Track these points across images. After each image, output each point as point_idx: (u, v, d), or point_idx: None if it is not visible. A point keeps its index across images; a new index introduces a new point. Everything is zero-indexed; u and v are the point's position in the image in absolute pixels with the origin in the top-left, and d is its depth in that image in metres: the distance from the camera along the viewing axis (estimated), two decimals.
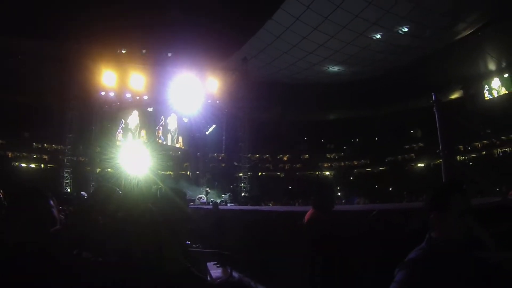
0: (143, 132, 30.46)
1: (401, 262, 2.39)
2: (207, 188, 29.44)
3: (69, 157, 30.46)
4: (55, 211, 2.57)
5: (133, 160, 28.11)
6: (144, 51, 29.45)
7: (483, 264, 2.46)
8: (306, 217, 4.82)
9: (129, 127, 30.26)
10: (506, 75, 43.69)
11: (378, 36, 35.40)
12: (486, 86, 45.65)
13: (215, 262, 8.39)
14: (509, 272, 2.73)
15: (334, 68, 42.50)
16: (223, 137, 36.33)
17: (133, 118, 30.37)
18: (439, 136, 4.30)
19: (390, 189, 44.70)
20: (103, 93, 28.25)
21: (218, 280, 1.63)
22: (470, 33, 36.72)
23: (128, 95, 28.75)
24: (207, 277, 5.47)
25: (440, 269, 2.29)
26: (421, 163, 51.67)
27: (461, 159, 46.48)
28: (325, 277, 4.47)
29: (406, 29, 34.43)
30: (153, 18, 28.85)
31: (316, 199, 4.97)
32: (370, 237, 4.79)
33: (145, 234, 2.67)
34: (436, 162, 44.76)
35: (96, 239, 2.70)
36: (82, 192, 26.37)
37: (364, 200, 25.72)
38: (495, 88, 44.91)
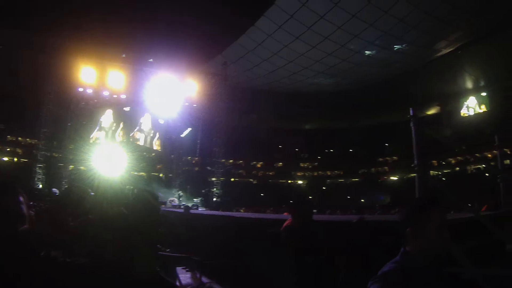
0: (119, 132, 30.20)
1: (375, 275, 2.38)
2: (180, 192, 29.30)
3: (43, 152, 30.02)
4: (24, 207, 2.50)
5: (106, 159, 27.85)
6: (124, 55, 29.23)
7: (456, 280, 2.47)
8: (284, 225, 4.81)
9: (104, 125, 29.99)
10: (483, 94, 44.46)
11: (359, 49, 35.64)
12: (463, 103, 46.40)
13: (184, 267, 8.31)
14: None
15: (313, 78, 42.64)
16: (198, 141, 36.24)
17: (109, 117, 30.10)
18: (414, 150, 4.34)
19: (362, 200, 45.01)
20: (80, 89, 27.89)
21: (187, 286, 1.60)
22: (450, 51, 37.25)
23: (106, 93, 28.46)
24: (176, 282, 5.41)
25: (413, 284, 2.28)
26: (394, 177, 52.15)
27: (435, 174, 47.04)
28: (301, 286, 4.46)
29: (387, 44, 34.74)
30: (134, 20, 28.73)
31: (295, 208, 4.97)
32: (348, 247, 4.80)
33: (116, 237, 2.62)
34: (409, 176, 45.25)
35: (65, 240, 2.64)
36: (53, 189, 26.01)
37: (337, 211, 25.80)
38: (472, 106, 45.67)
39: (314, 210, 5.25)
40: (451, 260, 2.56)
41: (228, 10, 28.69)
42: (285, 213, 18.59)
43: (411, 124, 4.57)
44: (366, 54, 36.60)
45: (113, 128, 30.06)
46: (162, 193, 27.06)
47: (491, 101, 44.09)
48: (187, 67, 29.61)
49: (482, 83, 44.19)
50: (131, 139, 30.03)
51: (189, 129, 32.00)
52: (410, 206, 2.61)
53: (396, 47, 35.25)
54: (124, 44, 29.51)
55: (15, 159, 44.23)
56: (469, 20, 31.28)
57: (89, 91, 27.77)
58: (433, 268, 2.35)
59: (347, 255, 4.67)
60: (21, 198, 2.51)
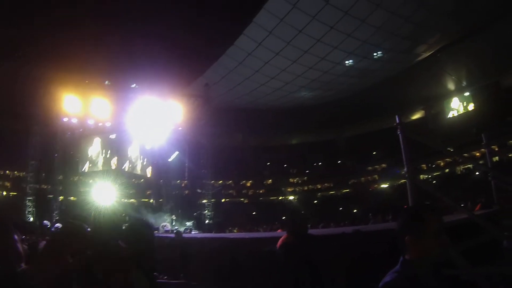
0: (106, 160, 30.01)
1: (378, 286, 2.38)
2: (173, 216, 29.15)
3: (32, 185, 29.74)
4: (19, 246, 2.48)
5: (96, 189, 27.63)
6: (107, 82, 29.13)
7: (457, 282, 2.48)
8: (280, 242, 4.79)
9: (91, 154, 29.81)
10: (466, 94, 44.90)
11: (339, 60, 35.86)
12: (447, 105, 46.81)
13: None
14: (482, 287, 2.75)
15: (296, 93, 42.78)
16: (186, 164, 36.12)
17: (96, 146, 29.93)
18: (403, 157, 4.38)
19: (355, 211, 45.00)
20: (65, 119, 27.70)
21: None
22: (430, 54, 37.62)
23: (91, 122, 28.30)
24: None
25: None
26: (385, 184, 52.27)
27: (424, 177, 47.28)
28: None
29: (367, 53, 34.99)
30: (115, 47, 28.77)
31: (290, 224, 4.96)
32: (345, 259, 4.80)
33: (115, 272, 2.61)
34: (400, 182, 45.42)
35: (65, 279, 2.62)
36: (44, 222, 25.73)
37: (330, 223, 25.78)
38: (456, 107, 46.08)
39: (309, 225, 5.23)
40: (449, 262, 2.58)
41: (207, 32, 28.83)
42: (279, 230, 18.57)
43: (398, 132, 4.59)
44: (347, 64, 36.83)
45: (101, 156, 29.87)
46: (153, 219, 26.89)
47: (474, 100, 44.52)
48: (170, 90, 29.53)
49: (464, 83, 44.62)
50: (118, 167, 29.81)
51: (176, 152, 31.87)
52: (407, 215, 2.62)
53: (376, 55, 35.50)
54: (107, 71, 29.47)
55: (4, 193, 43.87)
56: (446, 23, 31.63)
57: (74, 120, 27.58)
58: (434, 274, 2.36)
59: (346, 267, 4.67)
60: (16, 236, 2.49)
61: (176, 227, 24.80)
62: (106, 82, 28.96)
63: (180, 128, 30.10)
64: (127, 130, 29.05)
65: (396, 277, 2.37)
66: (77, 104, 27.09)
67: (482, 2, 29.51)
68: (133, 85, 29.34)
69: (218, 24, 28.91)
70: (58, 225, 23.77)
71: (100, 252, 2.78)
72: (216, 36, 30.27)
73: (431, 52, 37.39)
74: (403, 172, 5.19)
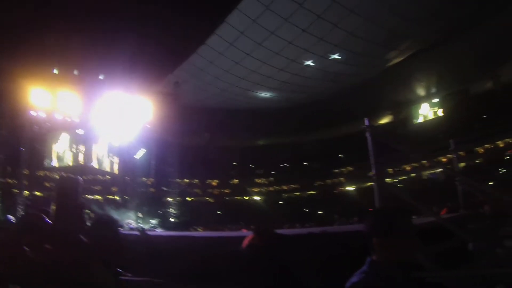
0: (72, 155, 29.55)
1: (345, 287, 2.36)
2: (139, 213, 28.91)
3: None
4: None
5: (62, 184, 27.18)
6: (76, 71, 28.70)
7: (424, 284, 2.47)
8: (246, 242, 4.74)
9: (58, 149, 29.33)
10: (435, 100, 45.64)
11: (311, 63, 35.99)
12: (416, 111, 47.53)
13: None
14: None
15: (265, 94, 42.81)
16: (153, 162, 35.85)
17: (63, 141, 29.46)
18: (371, 159, 4.39)
19: (320, 213, 45.26)
20: (33, 112, 27.16)
21: None
22: (400, 60, 38.05)
23: (59, 116, 27.80)
24: None
25: None
26: (351, 187, 52.69)
27: (391, 181, 47.78)
28: None
29: (338, 57, 35.18)
30: (85, 39, 28.37)
31: (256, 224, 4.91)
32: (312, 260, 4.77)
33: (76, 266, 2.53)
34: (366, 185, 45.83)
35: (23, 273, 2.53)
36: (8, 216, 25.25)
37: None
38: (424, 113, 46.82)
39: (275, 225, 5.21)
40: (417, 265, 2.57)
41: (179, 29, 28.63)
42: (243, 230, 18.51)
43: (367, 134, 4.60)
44: (317, 67, 36.97)
45: (68, 152, 29.43)
46: (118, 216, 26.61)
47: (443, 107, 45.27)
48: (139, 87, 29.28)
49: (433, 90, 45.32)
50: (86, 163, 29.41)
51: (143, 150, 31.60)
52: (375, 216, 2.61)
53: (347, 59, 35.73)
54: (76, 63, 29.04)
55: None
56: (417, 30, 32.03)
57: (42, 114, 27.06)
58: (401, 275, 2.34)
59: (312, 267, 4.64)
60: None
61: (141, 225, 24.57)
62: (75, 72, 28.55)
63: (148, 126, 29.84)
64: (95, 126, 28.67)
65: (363, 278, 2.36)
66: (45, 98, 26.62)
67: (452, 12, 29.98)
68: (101, 77, 28.93)
69: (190, 22, 28.73)
70: (10, 217, 23.36)
71: (60, 245, 2.70)
72: (188, 34, 30.09)
73: (401, 58, 37.82)
74: (370, 174, 5.21)
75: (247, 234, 5.35)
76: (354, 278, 2.40)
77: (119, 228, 3.26)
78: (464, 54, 35.94)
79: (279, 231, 5.50)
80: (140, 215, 29.14)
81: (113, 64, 28.50)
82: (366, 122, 4.59)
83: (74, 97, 27.28)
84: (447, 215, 8.05)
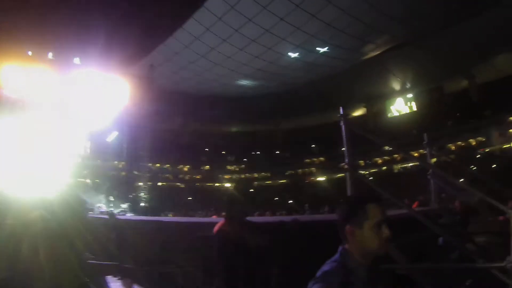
0: (43, 134, 29.14)
1: (316, 275, 2.29)
2: (111, 197, 28.71)
3: None
4: None
5: (28, 163, 26.79)
6: (50, 53, 28.24)
7: (393, 276, 2.43)
8: (216, 228, 4.66)
9: (30, 128, 28.89)
10: (409, 96, 46.15)
11: (287, 52, 35.99)
12: (390, 105, 48.04)
13: (115, 275, 8.03)
14: (416, 283, 2.71)
15: (240, 81, 42.76)
16: (125, 145, 35.60)
17: (35, 120, 29.01)
18: (345, 149, 4.34)
19: (291, 202, 45.43)
20: (4, 91, 26.70)
21: None
22: (376, 54, 38.33)
23: (31, 95, 27.38)
24: None
25: (354, 282, 2.20)
26: (322, 177, 53.01)
27: (362, 174, 48.20)
28: None
29: (314, 47, 35.24)
30: (60, 21, 27.86)
31: (228, 210, 4.82)
32: (283, 247, 4.71)
33: (38, 245, 2.40)
34: (337, 176, 46.19)
35: None
36: None
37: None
38: (398, 107, 47.33)
39: (247, 212, 5.13)
40: (387, 256, 2.52)
41: (157, 11, 28.25)
42: (214, 216, 18.47)
43: (341, 123, 4.53)
44: (293, 57, 37.00)
45: (40, 130, 28.98)
46: (89, 199, 26.37)
47: (417, 102, 45.80)
48: (114, 69, 28.95)
49: (408, 85, 45.81)
50: (58, 144, 29.00)
51: (115, 132, 31.31)
52: (348, 204, 2.55)
53: (323, 50, 35.80)
54: (50, 43, 28.56)
55: None
56: (394, 26, 32.23)
57: (13, 94, 26.59)
58: (372, 265, 2.28)
59: (283, 255, 4.59)
60: None
61: (111, 209, 24.39)
62: (50, 55, 28.12)
63: (121, 108, 29.55)
64: (68, 107, 28.26)
65: (335, 266, 2.31)
66: (18, 77, 26.22)
67: (430, 11, 30.29)
68: (76, 59, 28.54)
69: (168, 5, 28.38)
70: None
71: (20, 221, 2.55)
72: (165, 17, 29.74)
73: (377, 52, 38.13)
74: (342, 165, 5.16)
75: (217, 221, 5.27)
76: (325, 267, 2.35)
77: (86, 208, 3.12)
78: (440, 53, 36.44)
79: (250, 218, 5.44)
80: (110, 198, 28.96)
81: (88, 45, 28.08)
82: (341, 110, 4.50)
83: (47, 76, 26.86)
84: (419, 208, 8.11)
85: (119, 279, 8.09)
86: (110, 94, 28.25)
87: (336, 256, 2.38)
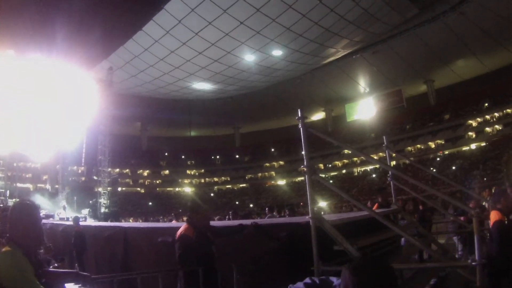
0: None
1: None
2: (64, 203, 28.20)
3: None
4: None
5: None
6: (12, 51, 27.59)
7: None
8: (179, 233, 4.61)
9: None
10: (368, 100, 46.83)
11: (246, 56, 36.04)
12: (349, 109, 48.65)
13: (74, 283, 7.86)
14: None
15: (199, 85, 42.66)
16: (83, 150, 35.09)
17: None
18: (304, 151, 4.32)
19: (251, 205, 45.49)
20: None
21: None
22: (336, 59, 38.79)
23: None
24: None
25: None
26: (282, 181, 53.28)
27: (323, 176, 48.46)
28: None
29: (273, 51, 35.38)
30: (21, 20, 27.35)
31: (190, 215, 4.78)
32: (243, 251, 4.70)
33: None
34: (297, 179, 46.46)
35: None
36: None
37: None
38: (357, 111, 47.95)
39: (209, 217, 5.10)
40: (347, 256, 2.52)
41: (117, 13, 27.88)
42: (173, 221, 18.32)
43: (300, 125, 4.52)
44: (252, 60, 37.06)
45: None
46: (49, 206, 25.93)
47: (376, 106, 46.42)
48: (73, 71, 28.46)
49: (367, 90, 46.42)
50: (16, 149, 28.30)
51: (75, 136, 30.76)
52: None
53: (282, 54, 35.96)
54: (11, 42, 27.96)
55: None
56: (353, 31, 32.63)
57: None
58: None
59: (244, 258, 4.58)
60: None
61: (70, 215, 23.96)
62: (11, 51, 27.51)
63: (80, 112, 29.05)
64: (26, 111, 27.54)
65: None
66: None
67: (390, 17, 30.86)
68: (34, 56, 27.90)
69: (129, 7, 28.07)
70: None
71: None
72: (125, 19, 29.37)
73: (337, 57, 38.56)
74: (301, 169, 5.17)
75: (178, 226, 5.23)
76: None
77: (40, 213, 3.02)
78: (399, 57, 37.10)
79: (214, 223, 5.42)
80: (70, 205, 28.51)
81: (47, 43, 27.53)
82: (299, 112, 4.49)
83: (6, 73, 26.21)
84: (379, 210, 8.21)
85: (80, 287, 7.94)
86: (68, 96, 27.75)
87: None
